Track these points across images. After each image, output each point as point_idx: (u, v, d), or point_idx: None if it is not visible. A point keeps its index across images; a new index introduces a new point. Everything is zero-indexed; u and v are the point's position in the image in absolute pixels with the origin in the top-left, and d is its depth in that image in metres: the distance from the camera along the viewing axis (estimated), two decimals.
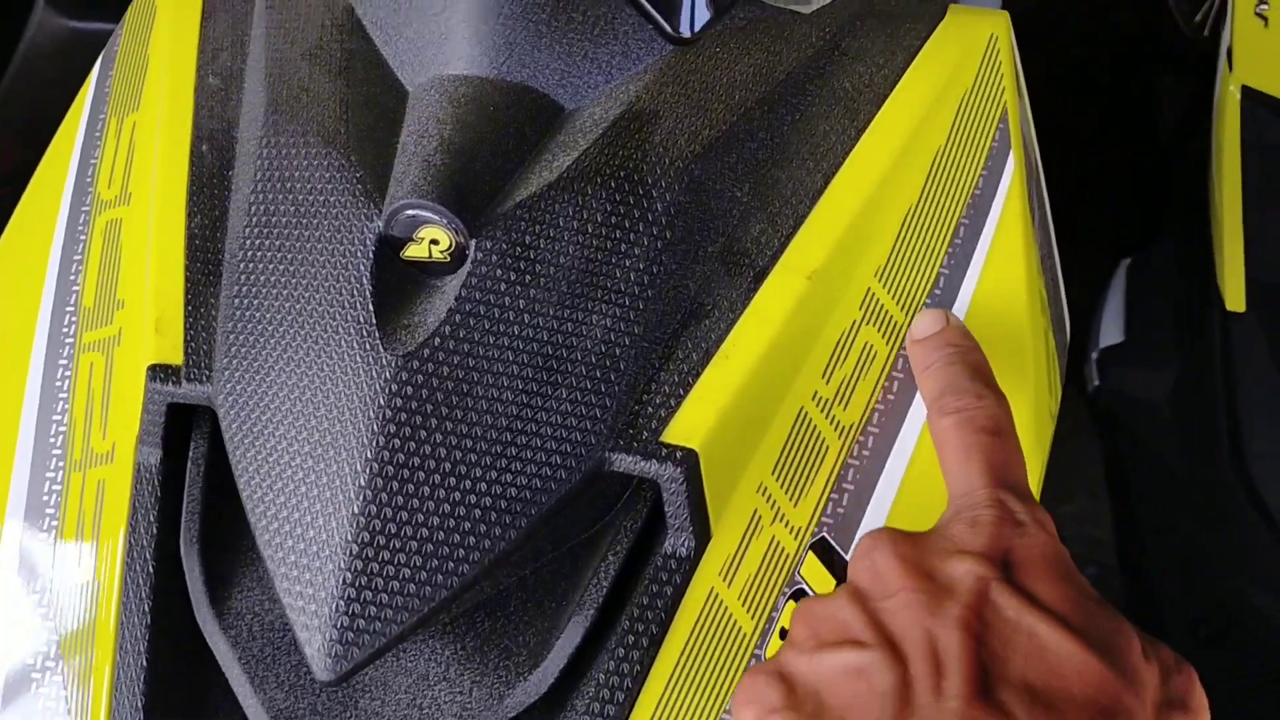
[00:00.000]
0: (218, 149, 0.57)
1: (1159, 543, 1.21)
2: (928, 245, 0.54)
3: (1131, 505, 1.28)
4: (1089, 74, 1.56)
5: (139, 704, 0.49)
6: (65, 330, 0.58)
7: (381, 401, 0.47)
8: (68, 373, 0.57)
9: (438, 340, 0.48)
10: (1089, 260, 1.14)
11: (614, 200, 0.49)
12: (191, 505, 0.52)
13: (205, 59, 0.60)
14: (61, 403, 0.56)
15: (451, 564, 0.46)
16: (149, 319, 0.54)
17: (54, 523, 0.54)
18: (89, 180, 0.61)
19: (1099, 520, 1.42)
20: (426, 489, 0.46)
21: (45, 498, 0.54)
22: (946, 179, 0.54)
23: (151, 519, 0.52)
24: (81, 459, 0.55)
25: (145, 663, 0.50)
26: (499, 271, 0.48)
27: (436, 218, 0.48)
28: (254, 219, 0.52)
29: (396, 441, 0.47)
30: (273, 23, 0.58)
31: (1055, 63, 1.43)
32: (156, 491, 0.52)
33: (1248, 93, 0.99)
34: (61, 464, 0.55)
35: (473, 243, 0.49)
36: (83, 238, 0.60)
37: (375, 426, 0.47)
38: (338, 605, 0.45)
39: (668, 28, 0.52)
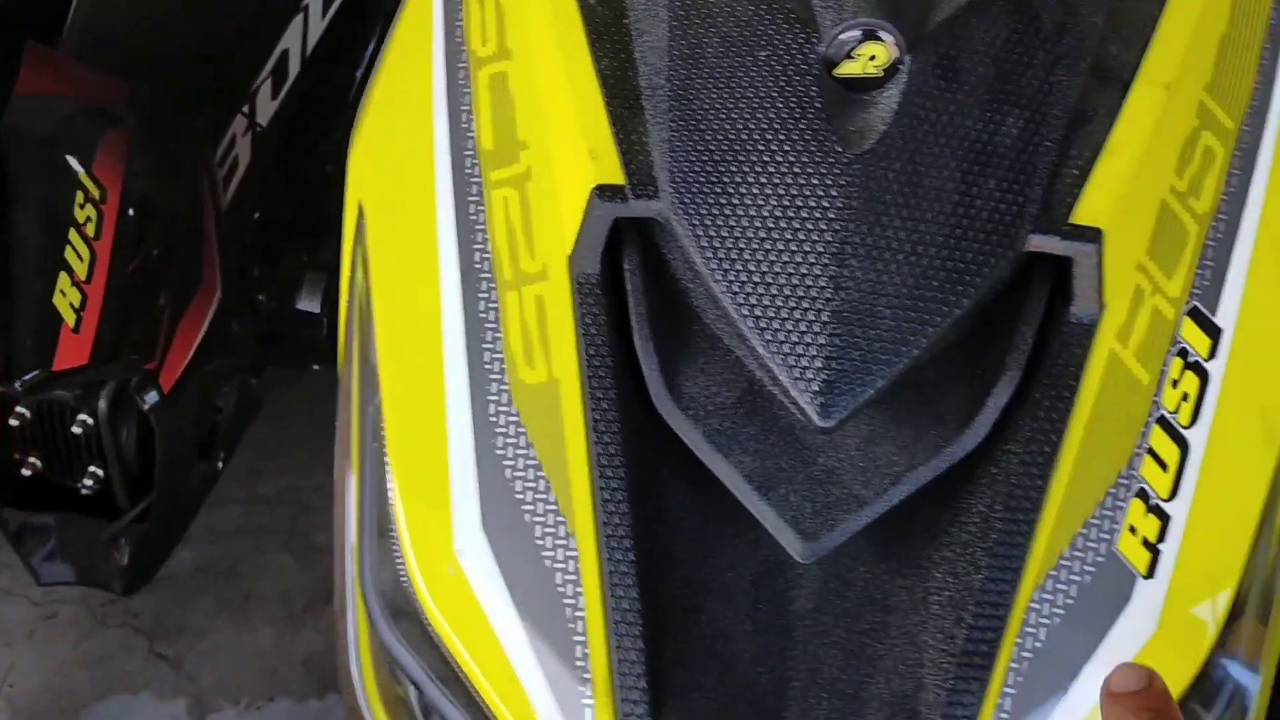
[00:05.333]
0: (605, 3, 0.63)
1: None
2: (1241, 65, 0.63)
3: None
4: None
5: (622, 486, 0.55)
6: (469, 172, 0.63)
7: (848, 193, 0.54)
8: (480, 208, 0.62)
9: (889, 140, 0.55)
10: None
11: (1015, 19, 0.57)
12: (638, 308, 0.58)
13: None
14: (480, 233, 0.62)
15: (918, 325, 0.54)
16: (580, 150, 0.60)
17: (497, 335, 0.59)
18: (459, 41, 0.66)
19: None
20: (891, 264, 0.54)
21: (483, 314, 0.60)
22: (1248, 10, 0.64)
23: (601, 321, 0.58)
24: (513, 279, 0.60)
25: (621, 441, 0.56)
26: (932, 80, 0.56)
27: (881, 35, 0.56)
28: (676, 55, 0.59)
29: (863, 226, 0.54)
30: None
31: None
32: (601, 299, 0.59)
33: None
34: (493, 285, 0.61)
35: (908, 57, 0.56)
36: (466, 91, 0.65)
37: (844, 214, 0.54)
38: (830, 363, 0.53)
39: None
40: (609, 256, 0.60)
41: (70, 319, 0.87)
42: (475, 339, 0.60)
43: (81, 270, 0.87)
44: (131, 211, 0.95)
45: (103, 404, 1.22)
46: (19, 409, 1.28)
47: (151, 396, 1.14)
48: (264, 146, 1.45)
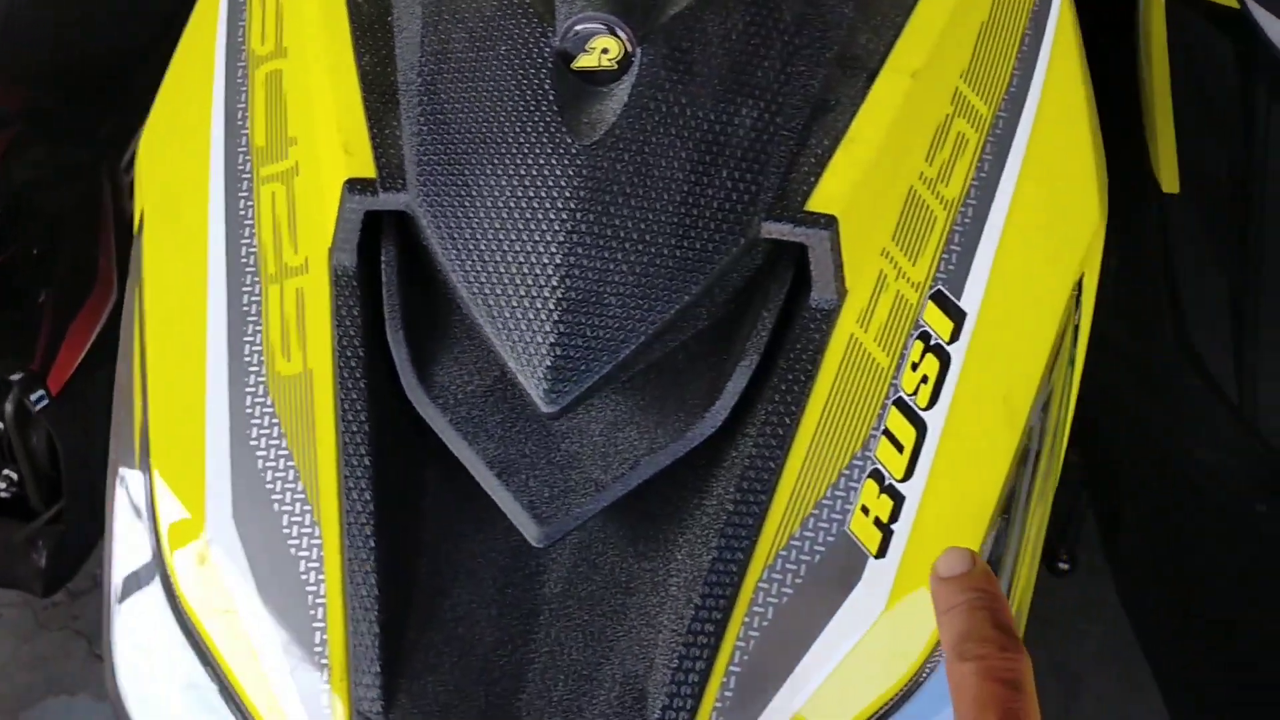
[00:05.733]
0: (372, 1, 0.64)
1: (1110, 416, 1.34)
2: (1001, 51, 0.64)
3: (1082, 385, 1.40)
4: None
5: (367, 474, 0.56)
6: (241, 168, 0.64)
7: (575, 183, 0.55)
8: (250, 203, 0.63)
9: (618, 131, 0.56)
10: None
11: (752, 12, 0.58)
12: (391, 299, 0.59)
13: None
14: (248, 228, 0.63)
15: (645, 313, 0.55)
16: (336, 144, 0.61)
17: (258, 328, 0.61)
18: (241, 41, 0.68)
19: None
20: (619, 253, 0.55)
21: (246, 307, 0.61)
22: None
23: (355, 313, 0.59)
24: (276, 273, 0.62)
25: (368, 431, 0.57)
26: (663, 72, 0.57)
27: (612, 29, 0.57)
28: (427, 50, 0.60)
29: (590, 215, 0.55)
30: None
31: None
32: (356, 291, 0.60)
33: None
34: (257, 279, 0.62)
35: (639, 50, 0.57)
36: (243, 89, 0.66)
37: (571, 204, 0.55)
38: (555, 350, 0.54)
39: None
40: (374, 249, 0.61)
41: None
42: (237, 332, 0.61)
43: None
44: None
45: (9, 407, 1.23)
46: None
47: (39, 397, 1.15)
48: None
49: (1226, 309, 1.09)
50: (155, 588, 0.60)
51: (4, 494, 1.35)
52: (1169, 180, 1.11)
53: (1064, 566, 1.54)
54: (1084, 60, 0.66)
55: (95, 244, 1.24)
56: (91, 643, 1.71)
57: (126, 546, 0.62)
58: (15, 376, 1.11)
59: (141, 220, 0.67)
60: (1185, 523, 1.19)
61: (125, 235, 1.32)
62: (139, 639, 0.60)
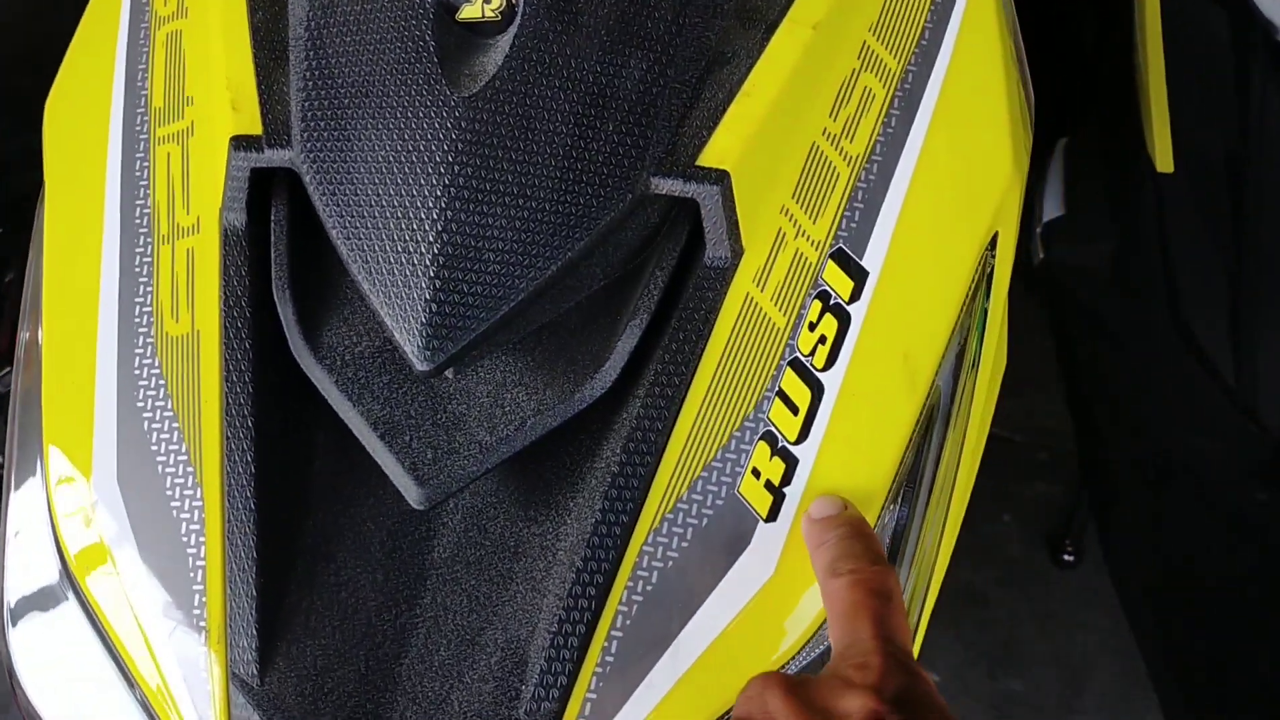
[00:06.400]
0: None
1: (1104, 401, 1.31)
2: (913, 3, 0.62)
3: (1079, 369, 1.37)
4: None
5: (250, 436, 0.55)
6: (139, 129, 0.63)
7: (454, 136, 0.54)
8: (146, 164, 0.63)
9: (498, 83, 0.54)
10: None
11: None
12: (279, 258, 0.58)
13: None
14: (143, 189, 0.62)
15: (525, 269, 0.53)
16: (224, 102, 0.60)
17: (148, 288, 0.60)
18: (144, 2, 0.67)
19: (1048, 413, 1.52)
20: (498, 208, 0.53)
21: (138, 269, 0.60)
22: None
23: (244, 273, 0.58)
24: (168, 233, 0.61)
25: (251, 392, 0.56)
26: (547, 23, 0.55)
27: None
28: (315, 4, 0.59)
29: (469, 169, 0.53)
30: None
31: None
32: (245, 250, 0.59)
33: None
34: (150, 240, 0.61)
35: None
36: (145, 50, 0.65)
37: (450, 157, 0.53)
38: (430, 306, 0.52)
39: None
40: (266, 208, 0.60)
41: None
42: (128, 294, 0.60)
43: None
44: None
45: None
46: None
47: (4, 375, 1.16)
48: None
49: (1223, 289, 1.06)
50: (46, 551, 0.59)
51: None
52: (1163, 159, 1.08)
53: (1069, 559, 1.51)
54: (1005, 12, 0.64)
55: None
56: None
57: (18, 510, 0.61)
58: None
59: (43, 185, 0.66)
60: (1181, 511, 1.16)
61: None
62: (29, 599, 0.60)
